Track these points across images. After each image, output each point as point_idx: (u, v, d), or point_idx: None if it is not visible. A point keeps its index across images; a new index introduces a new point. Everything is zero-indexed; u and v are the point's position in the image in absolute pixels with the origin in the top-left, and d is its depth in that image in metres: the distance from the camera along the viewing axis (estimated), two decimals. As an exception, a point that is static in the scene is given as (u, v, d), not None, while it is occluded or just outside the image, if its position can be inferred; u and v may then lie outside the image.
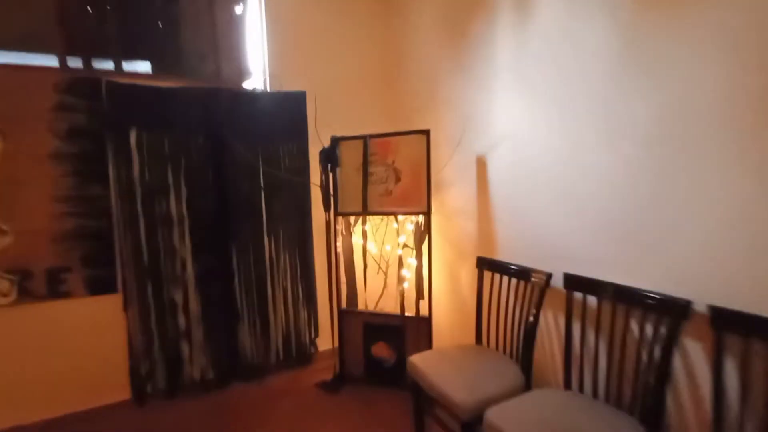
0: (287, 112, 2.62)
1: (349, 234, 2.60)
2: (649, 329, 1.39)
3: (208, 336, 2.49)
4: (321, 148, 2.45)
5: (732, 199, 1.21)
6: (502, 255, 2.09)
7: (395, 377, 2.44)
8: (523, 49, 1.89)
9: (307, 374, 2.72)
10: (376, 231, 2.68)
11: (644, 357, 1.40)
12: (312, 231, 2.75)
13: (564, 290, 1.66)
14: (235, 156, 2.47)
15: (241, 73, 2.61)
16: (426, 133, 2.27)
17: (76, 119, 2.17)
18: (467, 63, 2.23)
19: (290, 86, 2.61)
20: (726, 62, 1.20)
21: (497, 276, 2.00)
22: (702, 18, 1.25)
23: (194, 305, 2.44)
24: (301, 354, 2.79)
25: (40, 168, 2.11)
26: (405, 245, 2.44)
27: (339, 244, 2.54)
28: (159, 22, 2.42)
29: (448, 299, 2.55)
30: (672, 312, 1.31)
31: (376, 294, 2.68)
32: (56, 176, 2.14)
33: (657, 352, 1.35)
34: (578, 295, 1.63)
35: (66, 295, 2.17)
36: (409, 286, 2.47)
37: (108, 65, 2.31)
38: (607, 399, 1.51)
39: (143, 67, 2.39)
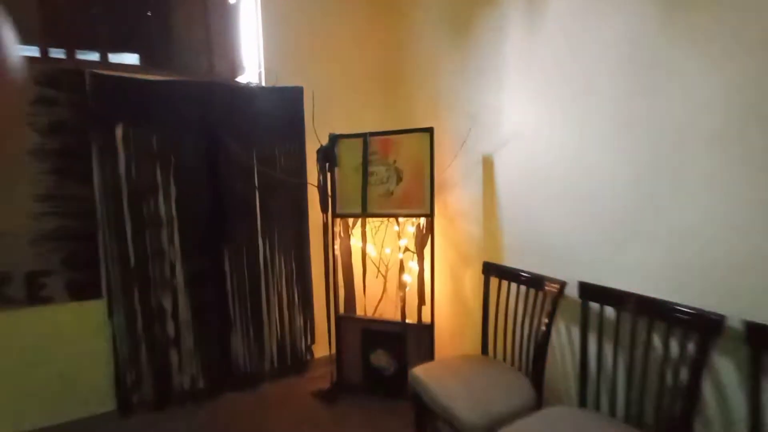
0: (283, 108, 2.50)
1: (348, 236, 2.48)
2: (674, 345, 1.29)
3: (199, 343, 2.36)
4: (318, 147, 2.33)
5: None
6: (510, 260, 1.98)
7: (395, 387, 2.33)
8: (533, 44, 1.78)
9: (303, 382, 2.60)
10: (375, 233, 2.56)
11: (669, 375, 1.30)
12: (309, 233, 2.63)
13: (579, 300, 1.55)
14: (229, 154, 2.35)
15: (235, 67, 2.48)
16: (429, 131, 2.15)
17: (58, 113, 2.03)
18: (474, 58, 2.11)
19: (287, 81, 2.49)
20: (744, 62, 1.10)
21: (505, 283, 1.89)
22: (718, 20, 1.15)
23: (184, 311, 2.31)
24: (296, 361, 2.67)
25: (18, 165, 1.97)
26: (406, 249, 2.32)
27: (337, 246, 2.43)
28: (148, 12, 2.29)
29: (451, 306, 2.44)
30: (702, 327, 1.20)
31: (374, 299, 2.56)
32: (36, 174, 2.01)
33: (684, 371, 1.24)
34: (594, 306, 1.52)
35: (47, 300, 2.04)
36: (409, 291, 2.35)
37: (93, 57, 2.18)
38: (626, 419, 1.40)
39: (131, 59, 2.26)
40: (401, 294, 2.33)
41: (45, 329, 2.05)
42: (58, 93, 2.03)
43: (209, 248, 2.36)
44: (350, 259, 2.50)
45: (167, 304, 2.27)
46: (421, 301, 2.29)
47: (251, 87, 2.44)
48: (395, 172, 2.26)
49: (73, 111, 2.05)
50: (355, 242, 2.49)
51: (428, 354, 2.23)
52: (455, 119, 2.28)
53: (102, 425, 2.17)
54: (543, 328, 1.64)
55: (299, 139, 2.55)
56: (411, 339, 2.30)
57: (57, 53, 2.10)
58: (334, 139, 2.33)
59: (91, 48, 2.17)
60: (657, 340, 1.35)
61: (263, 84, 2.50)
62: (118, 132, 2.12)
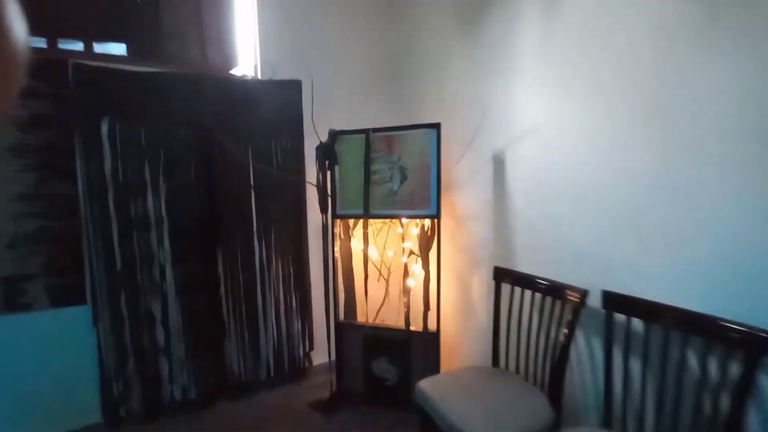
0: (281, 102, 2.36)
1: (348, 238, 2.35)
2: (713, 366, 1.16)
3: (191, 351, 2.23)
4: (318, 144, 2.20)
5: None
6: (522, 265, 1.85)
7: (398, 398, 2.20)
8: (551, 30, 1.64)
9: (301, 391, 2.48)
10: (377, 234, 2.43)
11: (707, 401, 1.16)
12: (307, 235, 2.50)
13: (602, 311, 1.42)
14: (222, 151, 2.21)
15: (230, 59, 2.34)
16: (436, 127, 2.02)
17: (39, 107, 1.89)
18: (484, 48, 1.98)
19: (284, 74, 2.35)
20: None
21: (518, 289, 1.76)
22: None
23: (174, 317, 2.18)
24: (294, 369, 2.54)
25: (-5, 162, 1.84)
26: (411, 252, 2.19)
27: (336, 249, 2.30)
28: (136, -1, 2.15)
29: (457, 312, 2.31)
30: (749, 346, 1.07)
31: (375, 304, 2.43)
32: (16, 172, 1.87)
33: (725, 397, 1.11)
34: (620, 318, 1.39)
35: (26, 307, 1.91)
36: (413, 296, 2.22)
37: (76, 46, 2.04)
38: (656, 444, 1.28)
39: (117, 49, 2.12)
40: (405, 299, 2.20)
41: (24, 338, 1.92)
42: (39, 85, 1.89)
43: (202, 251, 2.22)
44: (351, 262, 2.37)
45: (157, 311, 2.14)
46: (426, 307, 2.16)
47: (247, 80, 2.31)
48: (399, 170, 2.13)
49: (56, 104, 1.91)
50: (356, 244, 2.36)
51: (433, 363, 2.10)
52: (463, 114, 2.14)
53: (87, 439, 2.04)
54: (562, 340, 1.51)
55: (297, 135, 2.41)
56: (415, 347, 2.17)
57: (38, 42, 1.96)
58: (335, 135, 2.20)
59: (74, 37, 2.03)
60: (693, 359, 1.22)
61: (259, 77, 2.36)
62: (104, 127, 1.98)
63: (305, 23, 2.43)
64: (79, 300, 1.99)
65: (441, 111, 2.28)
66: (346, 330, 2.31)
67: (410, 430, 1.91)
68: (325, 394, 2.35)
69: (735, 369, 1.10)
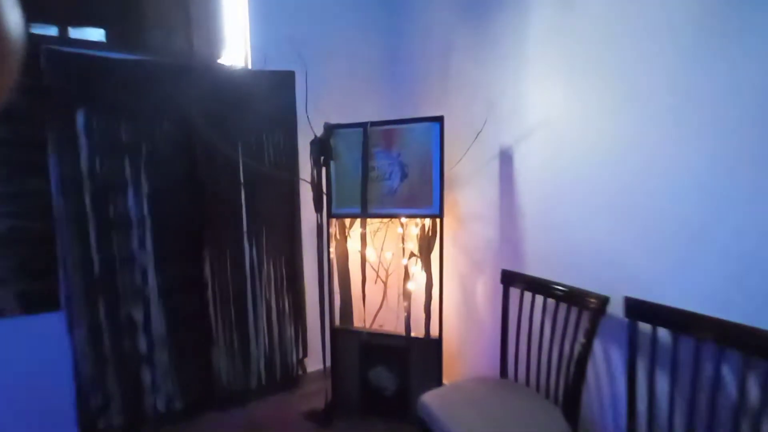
0: (273, 94, 2.21)
1: (344, 238, 2.21)
2: (753, 385, 1.04)
3: (176, 359, 2.09)
4: (312, 138, 2.06)
5: None
6: (531, 268, 1.73)
7: (397, 408, 2.07)
8: (566, 14, 1.51)
9: (294, 400, 2.34)
10: (374, 235, 2.30)
11: (745, 423, 1.05)
12: (301, 235, 2.36)
13: (625, 319, 1.30)
14: (210, 145, 2.06)
15: (217, 47, 2.19)
16: (439, 120, 1.89)
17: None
18: (491, 34, 1.85)
19: (276, 64, 2.20)
20: None
21: (528, 295, 1.64)
22: None
23: (158, 323, 2.03)
24: (286, 377, 2.41)
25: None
26: (412, 254, 2.06)
27: (332, 250, 2.16)
28: (116, -19, 1.99)
29: (460, 318, 2.18)
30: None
31: (372, 307, 2.30)
32: (-18, 167, 1.72)
33: (766, 420, 1.00)
34: (644, 328, 1.27)
35: (-6, 313, 1.76)
36: (413, 300, 2.09)
37: (50, 31, 1.88)
38: (687, 468, 1.16)
39: (95, 35, 1.96)
40: (405, 304, 2.07)
41: (-8, 347, 1.76)
42: (8, 72, 1.73)
43: (187, 252, 2.08)
44: (347, 264, 2.24)
45: (138, 316, 1.99)
46: (428, 312, 2.03)
47: (236, 70, 2.16)
48: (399, 166, 2.00)
49: (26, 95, 1.75)
50: (353, 245, 2.22)
51: (435, 372, 1.97)
52: (468, 107, 2.01)
53: (62, 456, 1.89)
54: (579, 350, 1.38)
55: (290, 129, 2.27)
56: (415, 355, 2.04)
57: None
58: (330, 129, 2.06)
59: (47, 21, 1.87)
60: (729, 376, 1.10)
61: (250, 67, 2.21)
62: (80, 119, 1.83)
63: (299, 10, 2.29)
64: (53, 306, 1.84)
65: (444, 103, 2.15)
66: (342, 336, 2.17)
67: (411, 445, 1.79)
68: (319, 403, 2.22)
69: (781, 389, 0.98)
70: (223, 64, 2.18)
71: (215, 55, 2.18)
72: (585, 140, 1.48)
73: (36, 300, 1.82)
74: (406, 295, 2.07)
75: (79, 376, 1.90)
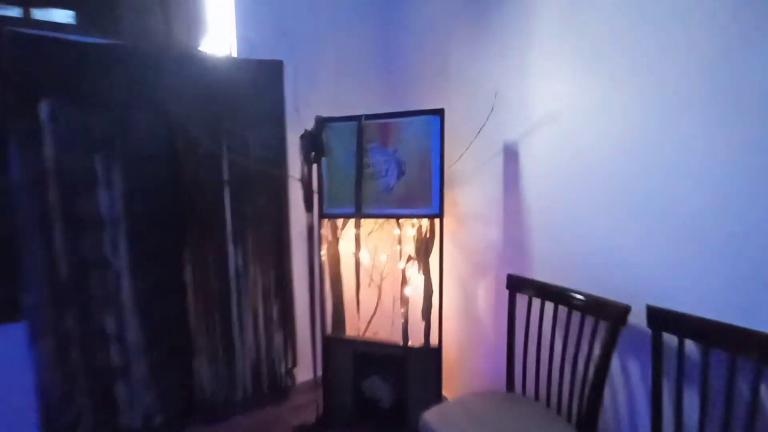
0: (260, 85, 2.06)
1: (336, 240, 2.07)
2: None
3: (154, 371, 1.92)
4: (302, 132, 1.92)
5: None
6: (538, 273, 1.61)
7: (393, 422, 1.94)
8: (575, 0, 1.40)
9: (283, 413, 2.20)
10: (368, 236, 2.17)
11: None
12: (290, 237, 2.21)
13: (647, 330, 1.19)
14: (191, 140, 1.90)
15: (198, 33, 2.03)
16: (440, 113, 1.76)
17: (-39, 82, 1.56)
18: (495, 21, 1.72)
19: (264, 53, 2.05)
20: None
21: (536, 302, 1.52)
22: None
23: (133, 333, 1.87)
24: (274, 388, 2.25)
25: None
26: (410, 257, 1.93)
27: (323, 252, 2.02)
28: (87, -41, 1.82)
29: (460, 326, 2.06)
30: None
31: (366, 312, 2.16)
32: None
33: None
34: (670, 340, 1.16)
35: (-53, 325, 1.58)
36: (411, 306, 1.96)
37: (12, 12, 1.70)
38: (720, 496, 1.05)
39: (63, 16, 1.79)
40: (403, 310, 1.94)
41: (-56, 363, 1.58)
42: (-38, 56, 1.55)
43: (166, 256, 1.91)
44: (339, 267, 2.10)
45: (111, 326, 1.82)
46: (427, 319, 1.91)
47: (220, 58, 2.00)
48: (396, 163, 1.87)
49: (-17, 80, 1.58)
50: (345, 247, 2.08)
51: (434, 384, 1.85)
52: (470, 100, 1.89)
53: (25, 481, 1.71)
54: (596, 363, 1.27)
55: (279, 123, 2.12)
56: (413, 365, 1.91)
57: (-39, 5, 1.62)
58: (322, 123, 1.92)
59: (9, 1, 1.69)
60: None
61: (235, 55, 2.06)
62: (44, 109, 1.65)
63: (288, -5, 2.14)
64: (10, 316, 1.66)
65: (444, 96, 2.02)
66: (335, 344, 2.03)
67: (410, 464, 1.66)
68: (310, 416, 2.08)
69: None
70: (204, 52, 2.02)
71: (196, 41, 2.02)
72: (595, 135, 1.37)
73: (-5, 309, 1.65)
74: (404, 301, 1.94)
75: (45, 392, 1.73)
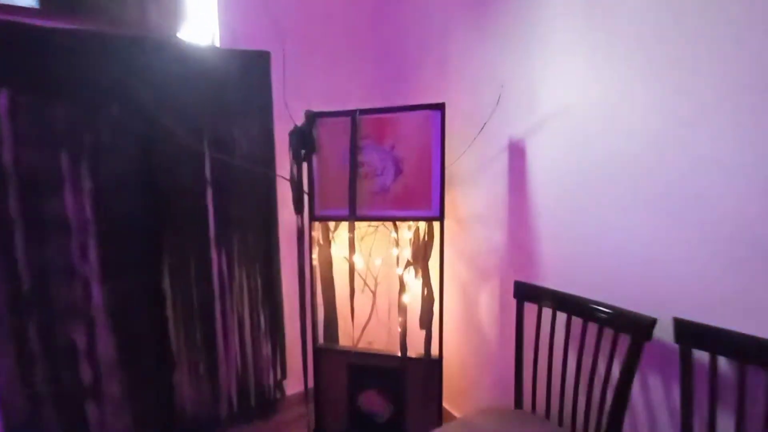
0: (245, 77, 1.91)
1: (328, 243, 1.93)
2: None
3: (129, 389, 1.77)
4: (292, 128, 1.77)
5: None
6: (548, 280, 1.50)
7: (391, 438, 1.82)
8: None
9: (272, 428, 2.06)
10: (362, 239, 2.04)
11: None
12: (279, 240, 2.06)
13: (675, 345, 1.08)
14: (168, 136, 1.74)
15: (178, 19, 1.86)
16: (440, 108, 1.64)
17: None
18: (500, 8, 1.60)
19: (249, 43, 1.90)
20: None
21: (547, 311, 1.40)
22: None
23: (105, 347, 1.71)
24: (262, 401, 2.11)
25: None
26: (408, 262, 1.80)
27: (314, 257, 1.88)
28: (51, -65, 1.64)
29: (462, 336, 1.94)
30: None
31: (359, 320, 2.03)
32: None
33: None
34: (700, 356, 1.05)
35: None
36: (409, 315, 1.83)
37: (-36, -9, 1.52)
38: None
39: (24, 0, 1.61)
40: (401, 319, 1.81)
41: None
42: None
43: (142, 262, 1.75)
44: (331, 272, 1.96)
45: (81, 340, 1.66)
46: (427, 329, 1.78)
47: (201, 47, 1.84)
48: (393, 162, 1.74)
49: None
50: (337, 251, 1.95)
51: (435, 397, 1.73)
52: (472, 94, 1.77)
53: None
54: (617, 378, 1.16)
55: (266, 117, 1.97)
56: (412, 377, 1.79)
57: None
58: (313, 118, 1.78)
59: (-40, -22, 1.51)
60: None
61: (218, 45, 1.90)
62: (1, 100, 1.48)
63: (275, -20, 1.99)
64: (-33, 332, 1.49)
65: (444, 89, 1.90)
66: (327, 356, 1.90)
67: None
68: (301, 431, 1.94)
69: None
70: (183, 40, 1.86)
71: (173, 28, 1.85)
72: (620, 131, 1.25)
73: (-55, 325, 1.47)
74: (401, 310, 1.81)
75: (6, 416, 1.56)
